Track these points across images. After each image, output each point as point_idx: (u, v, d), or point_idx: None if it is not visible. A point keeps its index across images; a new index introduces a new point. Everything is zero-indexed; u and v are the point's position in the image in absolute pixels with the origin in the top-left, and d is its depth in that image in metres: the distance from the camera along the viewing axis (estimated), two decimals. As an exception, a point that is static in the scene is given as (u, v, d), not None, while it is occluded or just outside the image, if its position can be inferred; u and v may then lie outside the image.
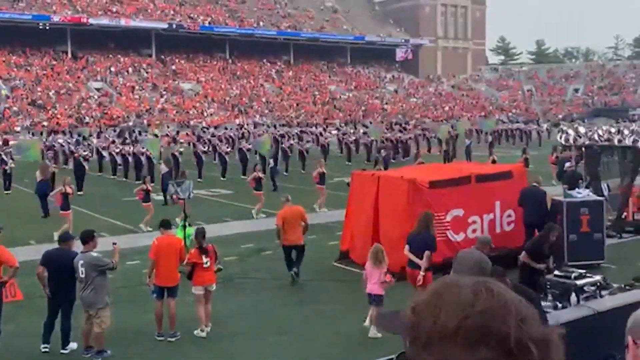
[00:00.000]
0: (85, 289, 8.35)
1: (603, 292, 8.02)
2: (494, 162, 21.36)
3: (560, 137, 18.09)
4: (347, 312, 10.12)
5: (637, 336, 1.84)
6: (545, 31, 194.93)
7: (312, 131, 42.15)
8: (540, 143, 40.89)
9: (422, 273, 9.22)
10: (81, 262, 8.36)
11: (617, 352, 6.13)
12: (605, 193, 15.36)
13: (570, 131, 18.36)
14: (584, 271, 8.39)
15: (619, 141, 16.42)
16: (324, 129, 42.46)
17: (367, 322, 9.09)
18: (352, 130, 40.70)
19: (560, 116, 64.48)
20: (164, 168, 21.71)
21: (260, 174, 18.52)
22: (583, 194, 12.99)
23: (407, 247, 9.64)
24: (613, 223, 14.77)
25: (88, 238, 8.62)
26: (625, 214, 15.50)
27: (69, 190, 16.27)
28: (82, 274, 8.32)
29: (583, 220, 12.21)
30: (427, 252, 9.33)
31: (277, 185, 22.43)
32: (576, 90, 78.09)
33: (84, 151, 27.27)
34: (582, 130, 19.28)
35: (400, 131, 39.04)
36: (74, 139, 35.70)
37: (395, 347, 7.53)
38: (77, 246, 8.85)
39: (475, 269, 4.10)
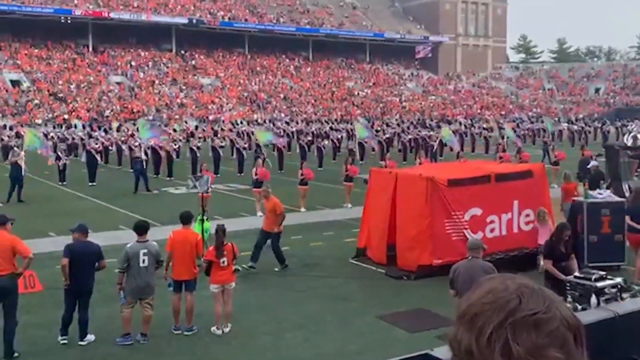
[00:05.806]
0: (146, 277, 8.67)
1: (624, 295, 7.89)
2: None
3: (627, 139, 17.78)
4: (361, 310, 10.07)
5: None
6: (567, 30, 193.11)
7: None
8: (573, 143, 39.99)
9: None
10: (144, 251, 8.65)
11: (637, 355, 6.04)
12: (627, 194, 15.15)
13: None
14: (604, 273, 8.26)
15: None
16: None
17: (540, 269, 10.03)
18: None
19: (581, 116, 63.72)
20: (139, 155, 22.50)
21: None
22: (604, 194, 12.80)
23: (627, 217, 11.25)
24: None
25: (144, 229, 8.92)
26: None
27: None
28: (143, 262, 8.61)
29: (604, 221, 12.04)
30: None
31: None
32: (597, 90, 77.22)
33: (95, 144, 27.71)
34: None
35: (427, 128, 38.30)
36: (86, 132, 36.31)
37: (411, 346, 7.48)
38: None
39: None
